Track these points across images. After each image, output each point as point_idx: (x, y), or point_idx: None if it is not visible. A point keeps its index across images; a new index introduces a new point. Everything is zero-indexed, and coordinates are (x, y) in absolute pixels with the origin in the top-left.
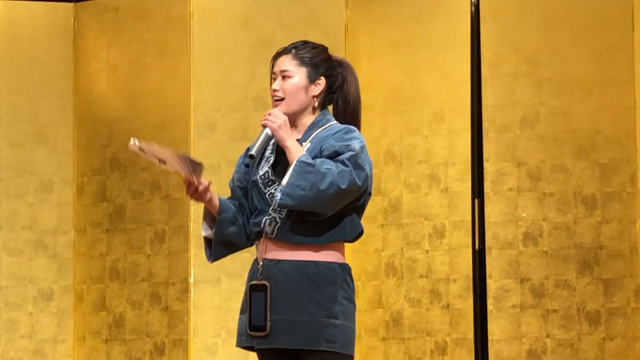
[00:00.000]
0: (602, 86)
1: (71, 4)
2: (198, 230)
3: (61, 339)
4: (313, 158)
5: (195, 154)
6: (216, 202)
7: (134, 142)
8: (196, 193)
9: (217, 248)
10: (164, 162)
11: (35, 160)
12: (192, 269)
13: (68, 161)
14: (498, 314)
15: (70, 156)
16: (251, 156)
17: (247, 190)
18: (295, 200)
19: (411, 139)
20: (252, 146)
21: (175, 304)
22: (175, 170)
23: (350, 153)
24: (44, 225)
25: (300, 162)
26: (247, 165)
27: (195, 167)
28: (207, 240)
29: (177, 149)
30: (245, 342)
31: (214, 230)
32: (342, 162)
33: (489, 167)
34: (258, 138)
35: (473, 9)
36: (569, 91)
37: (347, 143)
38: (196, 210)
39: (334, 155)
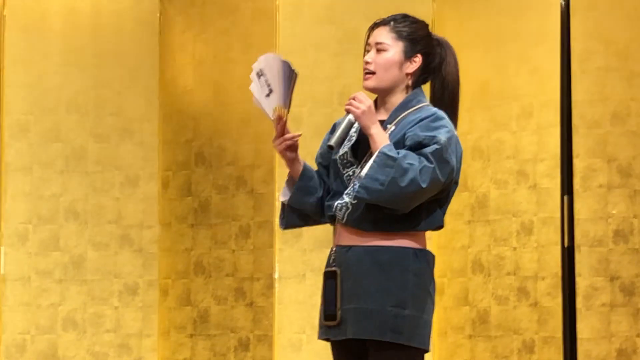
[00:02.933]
0: None
1: None
2: None
3: (146, 334)
4: (396, 144)
5: None
6: (299, 166)
7: (257, 65)
8: (282, 142)
9: (291, 216)
10: (270, 93)
11: (121, 155)
12: (277, 265)
13: (153, 155)
14: (587, 313)
15: (155, 150)
16: (330, 147)
17: (329, 168)
18: (372, 195)
19: (499, 134)
20: (333, 135)
21: (260, 300)
22: (273, 109)
23: (435, 147)
24: (130, 220)
25: (382, 154)
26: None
27: (291, 74)
28: (283, 206)
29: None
30: (323, 334)
31: (290, 195)
32: (426, 157)
33: (578, 163)
34: (340, 125)
35: (563, 2)
36: None
37: (433, 134)
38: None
39: (417, 147)
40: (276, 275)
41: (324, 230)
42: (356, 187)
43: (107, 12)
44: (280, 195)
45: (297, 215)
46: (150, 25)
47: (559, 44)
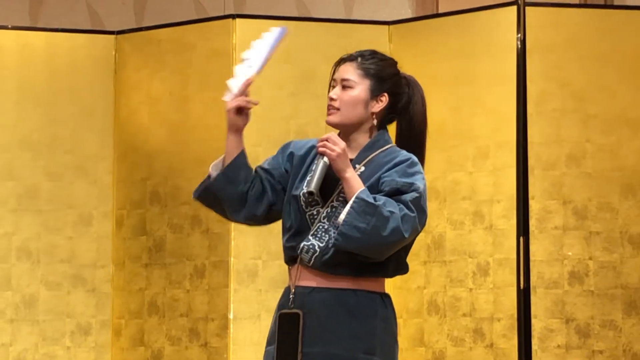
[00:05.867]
0: None
1: (112, 36)
2: (238, 265)
3: None
4: (369, 187)
5: None
6: (236, 149)
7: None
8: (236, 100)
9: (206, 193)
10: (248, 70)
11: (74, 193)
12: (232, 305)
13: (108, 194)
14: (543, 354)
15: (110, 189)
16: (311, 193)
17: (273, 186)
18: (351, 244)
19: (455, 175)
20: (311, 180)
21: (214, 340)
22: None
23: (414, 194)
24: (83, 259)
25: (360, 200)
26: (287, 171)
27: (280, 36)
28: (208, 179)
29: None
30: None
31: (215, 177)
32: (406, 205)
33: (534, 205)
34: (315, 170)
35: (519, 44)
36: (616, 128)
37: (411, 180)
38: (237, 245)
39: (395, 193)
40: (231, 316)
41: (279, 271)
42: (330, 231)
43: (62, 49)
44: (212, 167)
45: (212, 196)
46: (105, 62)
47: (514, 86)
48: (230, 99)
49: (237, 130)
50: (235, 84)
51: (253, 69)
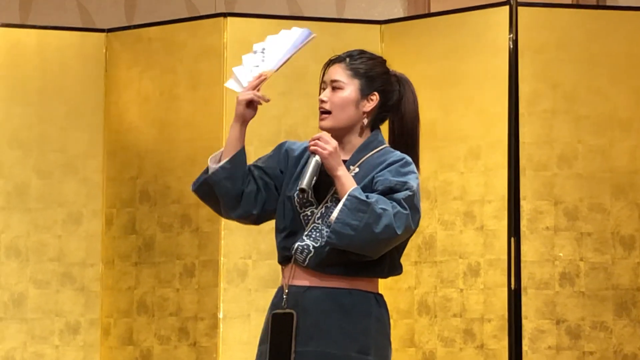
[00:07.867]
0: None
1: (103, 34)
2: (228, 264)
3: None
4: (363, 188)
5: None
6: (239, 142)
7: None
8: (250, 93)
9: (204, 186)
10: (260, 64)
11: (64, 192)
12: (221, 304)
13: (97, 193)
14: (533, 356)
15: (99, 188)
16: (302, 190)
17: (266, 184)
18: (343, 241)
19: (446, 175)
20: (302, 178)
21: (203, 340)
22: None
23: (408, 193)
24: (72, 258)
25: (353, 197)
26: (282, 172)
27: (306, 39)
28: (206, 171)
29: None
30: None
31: (214, 170)
32: (399, 203)
33: (525, 205)
34: (307, 168)
35: (511, 44)
36: (607, 129)
37: (405, 179)
38: (227, 244)
39: (388, 192)
40: (220, 315)
41: (269, 270)
42: (323, 231)
43: (52, 47)
44: (211, 160)
45: (210, 190)
46: (95, 60)
47: (506, 86)
48: (239, 89)
49: (243, 122)
50: (240, 72)
51: (270, 65)
